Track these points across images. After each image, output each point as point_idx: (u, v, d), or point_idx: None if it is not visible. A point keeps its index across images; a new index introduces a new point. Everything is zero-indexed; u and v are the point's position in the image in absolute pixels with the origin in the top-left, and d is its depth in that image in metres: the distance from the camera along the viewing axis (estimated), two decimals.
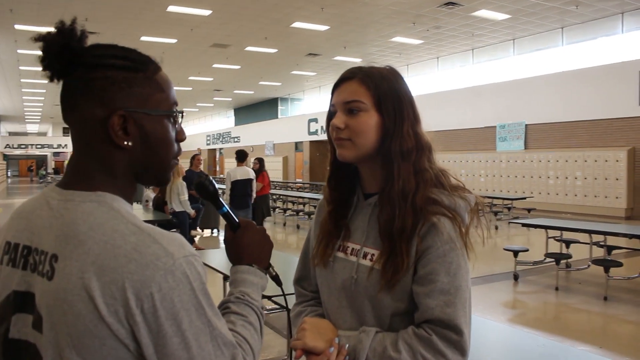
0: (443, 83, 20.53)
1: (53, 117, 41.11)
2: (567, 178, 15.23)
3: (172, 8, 13.69)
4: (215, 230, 11.78)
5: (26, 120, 44.18)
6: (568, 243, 7.68)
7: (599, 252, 7.22)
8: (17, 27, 14.93)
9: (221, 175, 34.40)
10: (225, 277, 4.31)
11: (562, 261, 7.08)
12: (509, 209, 13.80)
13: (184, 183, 8.31)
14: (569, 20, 15.39)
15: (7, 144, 47.33)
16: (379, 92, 1.25)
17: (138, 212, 9.79)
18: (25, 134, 51.13)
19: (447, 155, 17.42)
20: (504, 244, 8.68)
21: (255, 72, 23.44)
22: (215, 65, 21.77)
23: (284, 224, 13.78)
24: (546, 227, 7.55)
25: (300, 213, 14.15)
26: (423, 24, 15.61)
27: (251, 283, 1.09)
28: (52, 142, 47.13)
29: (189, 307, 0.81)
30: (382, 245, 1.25)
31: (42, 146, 46.92)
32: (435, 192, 1.26)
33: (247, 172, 8.93)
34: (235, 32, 16.29)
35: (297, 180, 27.16)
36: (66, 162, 39.76)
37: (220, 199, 1.19)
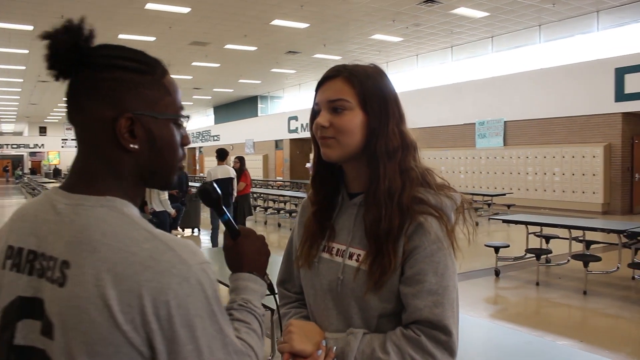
0: (422, 80, 20.63)
1: (29, 116, 40.50)
2: (545, 174, 15.42)
3: (150, 5, 13.55)
4: (196, 230, 11.69)
5: (1, 120, 43.46)
6: (548, 238, 7.77)
7: (578, 247, 7.33)
8: None
9: (201, 174, 34.21)
10: None
11: (543, 256, 7.15)
12: (488, 205, 13.92)
13: None
14: (546, 18, 15.57)
15: None
16: (364, 91, 1.23)
17: None
18: (0, 133, 50.29)
19: (427, 152, 17.26)
20: (484, 240, 8.74)
21: (234, 70, 23.32)
22: (194, 63, 21.61)
23: (265, 223, 13.73)
24: (526, 223, 7.62)
25: (282, 211, 14.11)
26: (402, 21, 15.66)
27: (252, 290, 1.09)
28: (28, 142, 46.39)
29: (202, 315, 0.81)
30: (369, 246, 1.23)
31: (18, 146, 46.15)
32: (422, 191, 1.24)
33: (228, 170, 8.88)
34: (214, 30, 16.18)
35: (278, 178, 27.10)
36: (44, 162, 39.01)
37: (223, 206, 1.18)
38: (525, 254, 7.39)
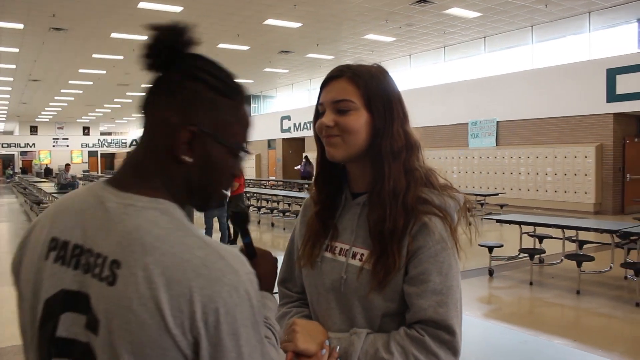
0: (415, 80, 20.66)
1: (20, 115, 40.23)
2: (537, 174, 15.49)
3: (143, 4, 13.50)
4: None
5: None
6: (541, 238, 7.80)
7: (571, 247, 7.36)
8: None
9: None
10: None
11: (536, 256, 7.19)
12: (481, 205, 13.97)
13: None
14: (539, 18, 15.63)
15: None
16: (368, 91, 1.23)
17: None
18: None
19: None
20: (478, 239, 8.78)
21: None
22: None
23: (258, 222, 13.71)
24: (520, 223, 7.65)
25: (275, 211, 14.09)
26: (395, 21, 15.68)
27: (270, 308, 1.12)
28: (19, 141, 46.03)
29: (247, 324, 0.82)
30: (373, 245, 1.23)
31: (9, 145, 45.79)
32: (426, 191, 1.24)
33: None
34: (207, 29, 16.11)
35: (271, 177, 27.07)
36: (35, 161, 38.58)
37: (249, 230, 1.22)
38: (519, 254, 7.42)
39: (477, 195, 14.30)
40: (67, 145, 47.08)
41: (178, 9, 13.93)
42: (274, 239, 11.58)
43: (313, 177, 1.41)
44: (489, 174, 16.97)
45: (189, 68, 0.91)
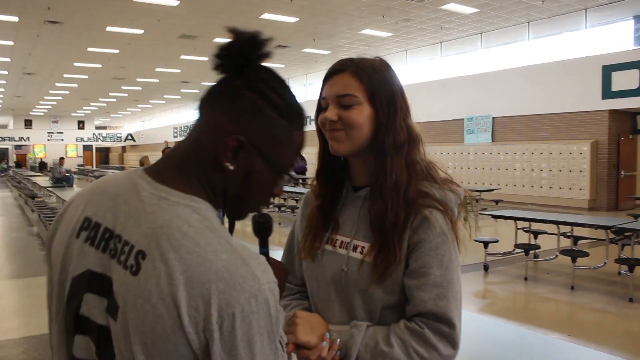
0: (411, 76, 20.67)
1: (14, 109, 40.00)
2: (533, 170, 15.54)
3: None
4: None
5: None
6: (536, 234, 7.84)
7: (566, 243, 7.40)
8: None
9: None
10: None
11: (531, 252, 7.23)
12: (477, 200, 13.97)
13: None
14: (535, 15, 15.64)
15: None
16: (372, 86, 1.24)
17: None
18: None
19: None
20: (473, 235, 8.80)
21: None
22: (183, 57, 21.47)
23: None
24: (515, 219, 7.68)
25: (271, 205, 14.08)
26: (392, 16, 15.66)
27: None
28: (13, 135, 45.80)
29: (263, 333, 0.81)
30: (374, 238, 1.24)
31: (3, 139, 45.57)
32: (427, 185, 1.25)
33: None
34: (203, 23, 16.07)
35: None
36: (29, 155, 38.43)
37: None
38: (514, 249, 7.46)
39: (472, 190, 14.29)
40: (62, 139, 46.89)
41: (174, 2, 13.88)
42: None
43: (315, 171, 1.41)
44: (484, 169, 17.01)
45: (254, 79, 0.91)
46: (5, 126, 49.08)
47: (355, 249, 1.28)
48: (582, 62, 14.67)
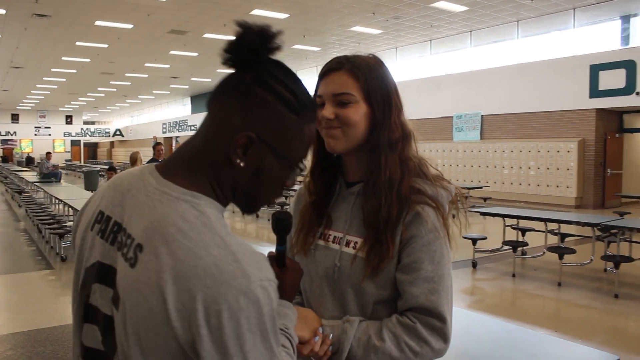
0: (401, 73, 20.69)
1: (0, 103, 39.59)
2: (521, 168, 15.64)
3: None
4: None
5: None
6: (524, 231, 7.90)
7: (553, 240, 7.47)
8: None
9: None
10: None
11: (519, 249, 7.28)
12: (466, 197, 14.03)
13: None
14: (524, 13, 15.73)
15: None
16: (368, 84, 1.25)
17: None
18: None
19: None
20: (463, 231, 8.86)
21: (213, 59, 23.06)
22: (172, 52, 21.35)
23: (243, 213, 13.64)
24: (504, 216, 7.74)
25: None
26: (382, 14, 15.67)
27: (290, 319, 1.11)
28: None
29: (254, 331, 0.81)
30: (367, 234, 1.26)
31: None
32: (419, 181, 1.27)
33: None
34: (193, 19, 15.99)
35: None
36: (16, 150, 38.01)
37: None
38: (502, 246, 7.52)
39: (461, 188, 14.35)
40: (49, 134, 46.51)
41: None
42: (259, 230, 11.61)
43: (309, 168, 1.42)
44: (473, 167, 17.10)
45: (264, 74, 0.91)
46: None
47: (348, 244, 1.29)
48: (570, 61, 14.78)
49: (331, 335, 1.23)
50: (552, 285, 6.46)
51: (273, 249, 1.19)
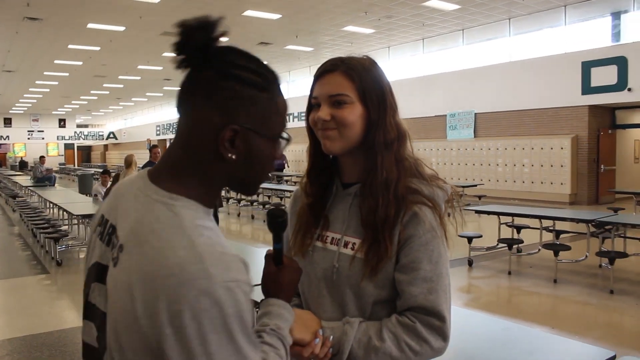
0: (394, 72, 20.71)
1: None
2: (515, 165, 15.70)
3: None
4: None
5: None
6: (519, 229, 7.94)
7: (548, 237, 7.50)
8: None
9: None
10: None
11: (514, 246, 7.31)
12: (460, 196, 14.06)
13: None
14: (516, 11, 15.78)
15: None
16: (363, 85, 1.26)
17: (87, 205, 9.53)
18: None
19: None
20: (459, 230, 8.89)
21: None
22: (165, 54, 21.29)
23: (238, 214, 13.67)
24: (499, 214, 7.77)
25: (255, 203, 14.07)
26: (374, 13, 15.69)
27: (285, 319, 1.10)
28: None
29: (219, 332, 0.81)
30: (365, 234, 1.26)
31: None
32: (415, 182, 1.28)
33: None
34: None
35: None
36: (9, 154, 37.76)
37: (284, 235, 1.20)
38: (498, 244, 7.55)
39: (456, 186, 14.40)
40: (43, 138, 46.30)
41: None
42: (254, 231, 11.61)
43: (306, 169, 1.42)
44: (467, 165, 17.15)
45: (223, 66, 0.92)
46: None
47: (346, 245, 1.30)
48: (562, 58, 14.85)
49: (331, 337, 1.23)
50: (548, 282, 6.49)
51: (271, 249, 1.19)
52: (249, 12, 15.26)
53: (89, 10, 14.63)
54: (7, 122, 45.13)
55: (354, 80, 1.25)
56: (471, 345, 2.31)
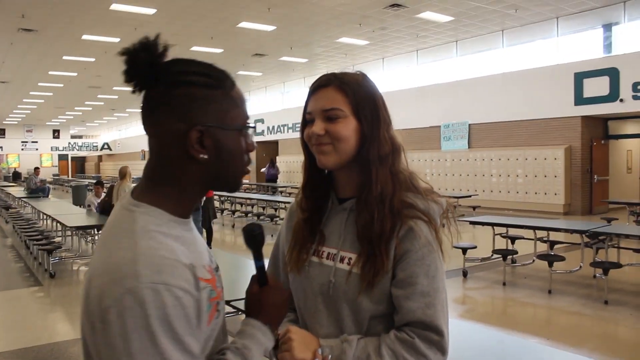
0: (388, 83, 20.80)
1: None
2: (509, 176, 15.75)
3: (115, 6, 13.32)
4: None
5: None
6: (513, 239, 7.95)
7: (543, 247, 7.51)
8: None
9: None
10: None
11: (509, 257, 7.32)
12: (454, 207, 14.13)
13: (132, 186, 8.15)
14: (509, 23, 15.90)
15: None
16: (356, 99, 1.27)
17: (80, 217, 9.50)
18: None
19: None
20: (454, 242, 8.89)
21: None
22: None
23: (233, 226, 13.65)
24: (493, 225, 7.78)
25: (249, 214, 14.05)
26: (369, 24, 15.78)
27: (258, 341, 1.08)
28: None
29: (140, 332, 0.83)
30: (361, 248, 1.26)
31: None
32: (410, 196, 1.28)
33: None
34: (180, 32, 16.00)
35: (245, 181, 26.92)
36: (3, 165, 37.66)
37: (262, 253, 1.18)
38: (492, 255, 7.55)
39: (450, 197, 14.38)
40: (37, 149, 46.17)
41: (151, 10, 13.80)
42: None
43: (301, 185, 1.43)
44: (461, 176, 17.19)
45: (172, 77, 0.97)
46: None
47: (342, 260, 1.30)
48: (555, 70, 14.97)
49: (330, 356, 1.23)
50: (543, 292, 6.49)
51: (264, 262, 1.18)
52: (243, 24, 15.32)
53: (84, 21, 14.66)
54: (1, 132, 45.02)
55: (347, 95, 1.26)
56: (463, 357, 2.30)
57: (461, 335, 2.66)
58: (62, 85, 25.29)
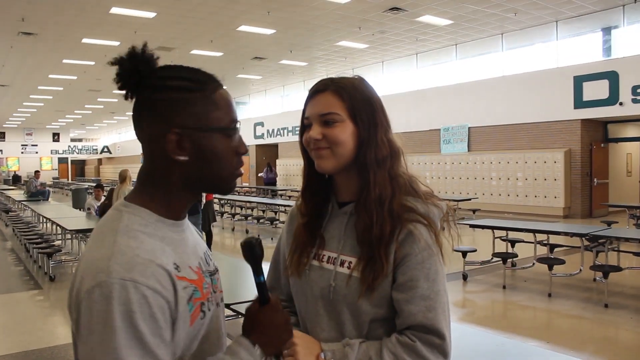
0: (388, 87, 20.83)
1: None
2: (508, 179, 15.76)
3: (115, 9, 13.34)
4: None
5: None
6: (513, 242, 7.94)
7: (543, 251, 7.51)
8: None
9: None
10: None
11: (509, 260, 7.32)
12: (454, 210, 14.10)
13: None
14: (508, 26, 15.94)
15: None
16: (353, 103, 1.27)
17: (80, 220, 9.49)
18: None
19: None
20: (455, 246, 8.89)
21: None
22: None
23: (233, 229, 13.64)
24: (493, 228, 7.78)
25: (249, 218, 14.05)
26: (368, 28, 15.81)
27: (237, 356, 1.04)
28: None
29: (101, 325, 0.85)
30: (361, 252, 1.26)
31: None
32: (410, 199, 1.28)
33: None
34: (180, 35, 16.03)
35: (244, 184, 26.96)
36: (3, 168, 37.85)
37: (263, 267, 1.14)
38: (492, 258, 7.54)
39: (450, 200, 14.42)
40: (37, 152, 46.20)
41: (151, 14, 13.82)
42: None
43: (301, 189, 1.43)
44: (461, 179, 17.20)
45: (155, 82, 1.01)
46: None
47: (342, 264, 1.30)
48: (554, 73, 14.99)
49: None
50: (543, 296, 6.49)
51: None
52: (243, 27, 15.35)
53: (84, 25, 14.68)
54: (1, 136, 45.08)
55: (344, 99, 1.27)
56: None
57: (461, 339, 2.66)
58: (62, 88, 25.32)
